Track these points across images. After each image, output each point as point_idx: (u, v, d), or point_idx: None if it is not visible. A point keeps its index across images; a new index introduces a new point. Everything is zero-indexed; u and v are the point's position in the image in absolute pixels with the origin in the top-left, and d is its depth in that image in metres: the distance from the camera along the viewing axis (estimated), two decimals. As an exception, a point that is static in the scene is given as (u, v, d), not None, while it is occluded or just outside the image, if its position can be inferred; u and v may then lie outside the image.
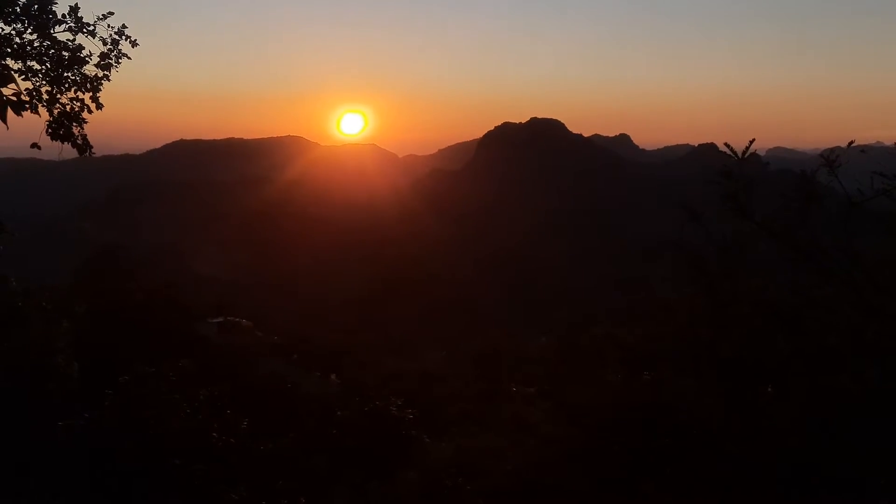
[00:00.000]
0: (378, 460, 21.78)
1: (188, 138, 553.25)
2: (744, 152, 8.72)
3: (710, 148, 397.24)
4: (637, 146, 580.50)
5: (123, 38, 14.81)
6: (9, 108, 3.91)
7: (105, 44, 14.74)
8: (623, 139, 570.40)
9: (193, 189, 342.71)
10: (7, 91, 3.89)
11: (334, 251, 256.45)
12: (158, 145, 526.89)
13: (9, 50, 14.60)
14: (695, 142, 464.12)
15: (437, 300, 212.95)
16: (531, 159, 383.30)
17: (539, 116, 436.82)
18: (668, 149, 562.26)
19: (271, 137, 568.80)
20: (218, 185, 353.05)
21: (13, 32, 14.48)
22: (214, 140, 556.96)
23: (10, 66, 15.07)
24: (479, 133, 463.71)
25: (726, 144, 8.52)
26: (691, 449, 11.99)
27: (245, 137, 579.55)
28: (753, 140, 8.90)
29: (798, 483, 9.47)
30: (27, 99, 14.10)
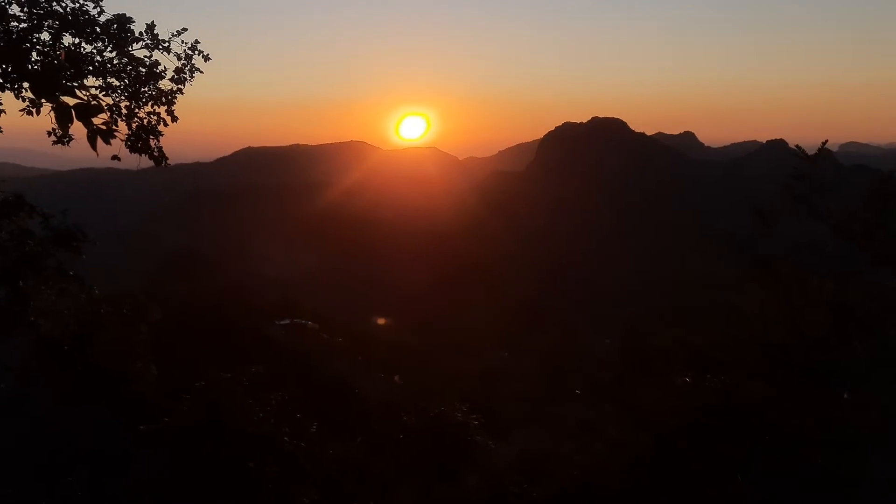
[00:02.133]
0: (443, 465, 21.90)
1: (255, 145, 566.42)
2: (816, 154, 8.49)
3: (779, 144, 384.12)
4: (702, 143, 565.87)
5: (196, 52, 15.38)
6: (98, 136, 4.13)
7: (179, 59, 15.34)
8: (687, 137, 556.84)
9: (260, 194, 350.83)
10: (97, 120, 4.10)
11: (396, 253, 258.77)
12: (228, 153, 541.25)
13: (90, 68, 15.33)
14: (762, 138, 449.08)
15: (500, 301, 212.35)
16: (593, 159, 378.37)
17: (600, 115, 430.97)
18: (734, 146, 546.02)
19: (334, 143, 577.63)
20: (283, 189, 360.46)
21: (94, 51, 15.19)
22: (280, 146, 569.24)
23: (91, 83, 15.85)
24: (539, 134, 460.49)
25: (797, 147, 8.31)
26: (763, 456, 11.71)
27: (309, 143, 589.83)
28: (826, 141, 8.65)
29: (875, 492, 9.18)
30: (116, 129, 14.77)
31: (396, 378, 72.31)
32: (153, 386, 16.19)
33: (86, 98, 4.06)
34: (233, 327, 48.50)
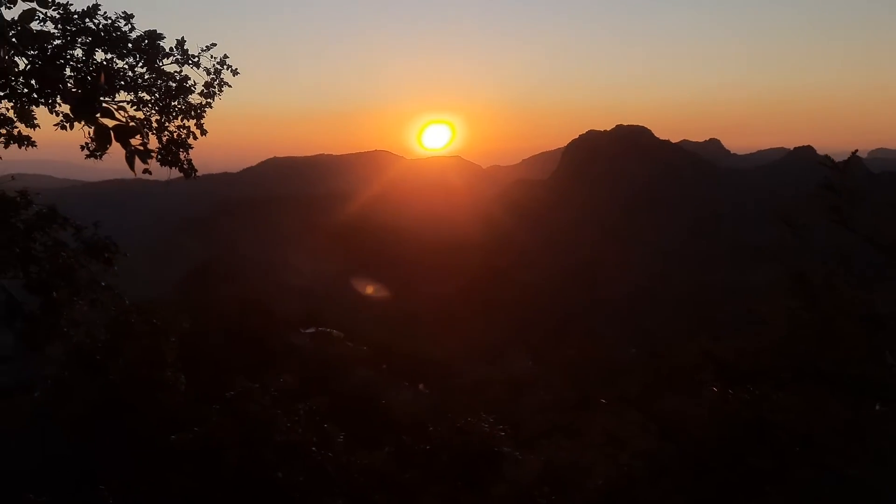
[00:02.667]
0: (469, 475, 21.87)
1: (281, 155, 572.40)
2: (845, 163, 8.42)
3: (807, 151, 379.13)
4: (728, 150, 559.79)
5: (225, 67, 15.69)
6: (136, 157, 4.25)
7: (208, 73, 15.65)
8: (713, 144, 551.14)
9: (286, 204, 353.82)
10: (134, 141, 4.23)
11: (420, 261, 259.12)
12: (254, 163, 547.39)
13: (122, 83, 15.69)
14: (790, 145, 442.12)
15: (525, 309, 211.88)
16: (617, 167, 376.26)
17: (625, 123, 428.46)
18: (761, 153, 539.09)
19: (359, 152, 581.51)
20: (309, 199, 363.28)
21: (126, 66, 15.55)
22: (305, 156, 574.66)
23: (122, 97, 16.20)
24: (563, 142, 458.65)
25: (827, 157, 8.27)
26: (793, 468, 11.57)
27: (333, 153, 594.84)
28: (856, 151, 8.59)
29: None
30: (153, 148, 15.07)
31: (421, 387, 72.35)
32: (182, 395, 16.43)
33: (124, 119, 4.18)
34: (259, 336, 48.94)
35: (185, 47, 15.43)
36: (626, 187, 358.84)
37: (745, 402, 15.03)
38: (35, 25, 13.52)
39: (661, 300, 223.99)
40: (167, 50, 15.32)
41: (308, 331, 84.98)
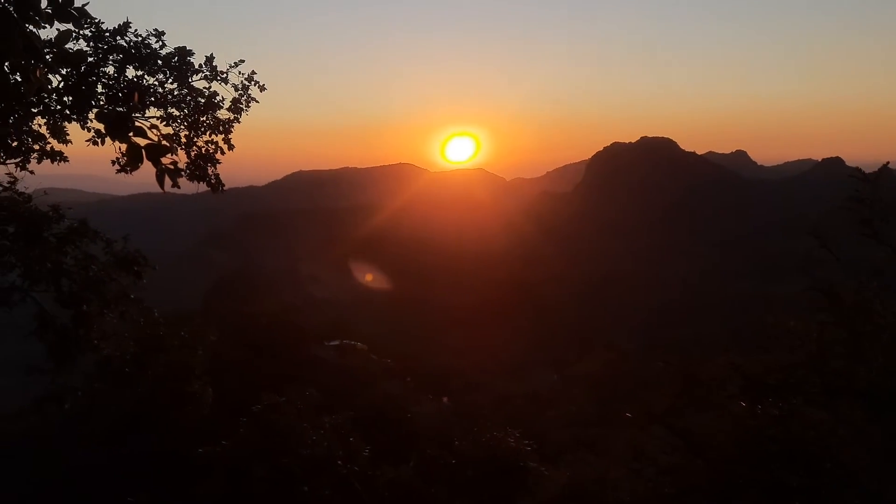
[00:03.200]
0: (496, 490, 21.75)
1: (306, 169, 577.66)
2: (876, 175, 8.28)
3: (836, 162, 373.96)
4: (755, 162, 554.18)
5: (252, 83, 15.85)
6: (167, 175, 4.34)
7: (236, 89, 15.83)
8: (740, 156, 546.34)
9: (311, 217, 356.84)
10: (165, 160, 4.32)
11: (445, 275, 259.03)
12: (279, 177, 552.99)
13: (152, 99, 15.94)
14: (818, 156, 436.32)
15: (549, 321, 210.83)
16: (642, 179, 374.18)
17: (649, 135, 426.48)
18: (788, 164, 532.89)
19: (383, 165, 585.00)
20: (334, 212, 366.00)
21: (155, 83, 15.79)
22: (330, 170, 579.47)
23: (152, 113, 16.46)
24: (587, 154, 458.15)
25: (857, 169, 8.15)
26: (823, 486, 11.35)
27: (358, 166, 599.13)
28: (888, 163, 8.46)
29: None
30: (183, 167, 15.28)
31: (445, 400, 72.14)
32: (210, 408, 16.54)
33: (155, 138, 4.27)
34: (285, 349, 49.21)
35: (213, 63, 15.62)
36: (652, 199, 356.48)
37: (774, 418, 14.79)
38: (69, 44, 13.80)
39: (687, 313, 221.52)
40: (196, 66, 15.52)
41: (333, 343, 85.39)
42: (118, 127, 4.34)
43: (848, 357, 10.71)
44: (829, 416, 11.70)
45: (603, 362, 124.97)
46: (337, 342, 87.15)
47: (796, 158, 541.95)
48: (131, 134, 4.35)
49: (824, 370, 11.37)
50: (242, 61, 15.68)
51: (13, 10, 4.57)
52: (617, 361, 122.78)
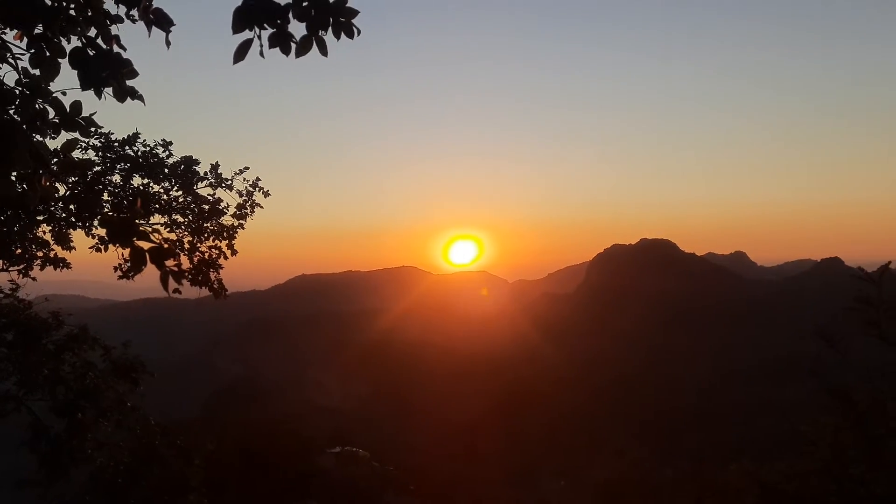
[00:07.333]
0: None
1: (309, 272, 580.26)
2: (879, 275, 8.26)
3: (834, 262, 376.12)
4: (754, 263, 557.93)
5: (257, 189, 16.16)
6: (170, 276, 4.31)
7: (241, 195, 16.12)
8: (739, 256, 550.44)
9: (315, 322, 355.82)
10: (169, 263, 4.30)
11: (449, 378, 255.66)
12: (282, 280, 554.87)
13: (156, 206, 16.20)
14: (816, 256, 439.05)
15: (555, 426, 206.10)
16: (643, 280, 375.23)
17: (649, 237, 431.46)
18: (788, 264, 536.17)
19: (386, 268, 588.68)
20: (338, 316, 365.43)
21: (161, 190, 16.10)
22: (334, 273, 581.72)
23: (156, 220, 16.68)
24: (588, 256, 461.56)
25: (859, 268, 8.14)
26: None
27: (362, 270, 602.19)
28: (889, 263, 8.45)
29: None
30: (187, 272, 15.40)
31: (450, 511, 69.59)
32: (204, 522, 15.92)
33: (158, 241, 4.27)
34: (284, 458, 48.00)
35: (218, 171, 15.96)
36: (652, 301, 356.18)
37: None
38: (77, 153, 14.15)
39: (695, 418, 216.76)
40: (202, 174, 15.85)
41: (334, 450, 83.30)
42: (121, 232, 4.35)
43: (864, 462, 10.35)
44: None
45: (612, 468, 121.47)
46: (338, 449, 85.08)
47: (795, 258, 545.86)
48: (135, 238, 4.35)
49: (841, 477, 10.96)
50: (247, 168, 16.03)
51: (21, 120, 4.68)
52: (627, 467, 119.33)
